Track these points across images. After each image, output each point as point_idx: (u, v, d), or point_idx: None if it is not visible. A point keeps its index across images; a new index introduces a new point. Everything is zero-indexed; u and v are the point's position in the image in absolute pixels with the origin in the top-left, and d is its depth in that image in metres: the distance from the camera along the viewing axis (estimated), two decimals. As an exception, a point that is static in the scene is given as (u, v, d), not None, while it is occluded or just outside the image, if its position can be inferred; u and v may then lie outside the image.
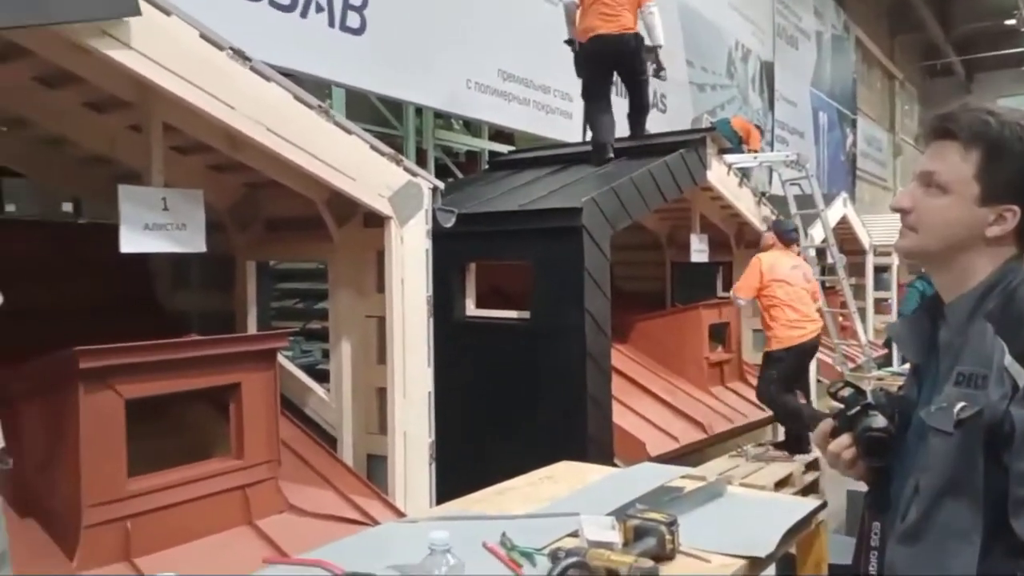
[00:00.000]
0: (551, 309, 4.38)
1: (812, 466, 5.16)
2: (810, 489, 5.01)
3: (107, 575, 2.24)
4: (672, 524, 1.76)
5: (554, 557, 1.66)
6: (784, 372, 5.09)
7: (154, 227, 2.59)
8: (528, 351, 4.44)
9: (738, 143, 7.02)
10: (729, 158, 5.66)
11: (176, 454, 2.59)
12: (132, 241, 2.53)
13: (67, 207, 5.47)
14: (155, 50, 2.33)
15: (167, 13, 2.38)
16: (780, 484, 4.75)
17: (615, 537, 1.75)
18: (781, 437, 5.65)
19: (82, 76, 2.58)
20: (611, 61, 5.36)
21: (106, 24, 2.22)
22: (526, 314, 4.55)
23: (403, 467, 3.17)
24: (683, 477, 2.47)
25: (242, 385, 2.62)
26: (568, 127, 7.48)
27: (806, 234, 6.12)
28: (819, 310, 5.44)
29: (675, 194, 5.16)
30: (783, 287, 5.09)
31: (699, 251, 5.89)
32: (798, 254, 5.50)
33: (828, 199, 7.49)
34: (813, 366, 6.48)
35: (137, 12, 2.22)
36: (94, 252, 3.03)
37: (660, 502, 2.05)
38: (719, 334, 6.09)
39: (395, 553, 1.77)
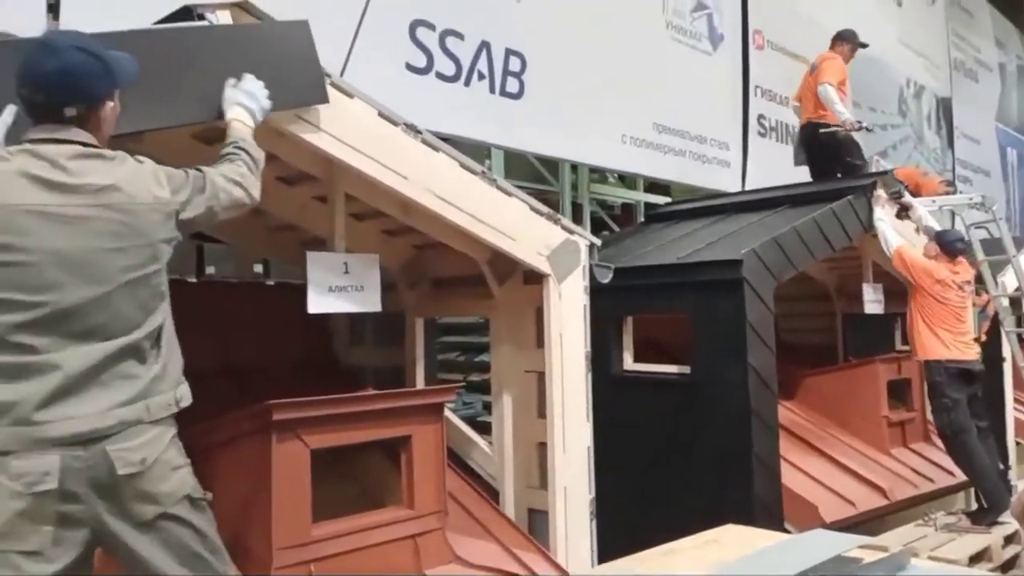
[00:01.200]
0: (712, 364, 4.28)
1: (1012, 539, 4.64)
2: (1009, 565, 4.50)
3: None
4: (850, 598, 1.67)
5: (723, 626, 1.62)
6: (954, 397, 4.64)
7: (336, 289, 2.82)
8: (689, 406, 4.35)
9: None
10: (906, 201, 5.33)
11: (350, 502, 2.76)
12: (318, 303, 2.78)
13: (257, 268, 6.05)
14: (340, 130, 2.57)
15: (350, 96, 2.63)
16: (975, 558, 4.30)
17: (788, 609, 1.68)
18: (976, 505, 5.14)
19: (277, 155, 2.88)
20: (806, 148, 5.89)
21: (300, 110, 2.49)
22: (686, 369, 4.47)
23: (564, 523, 3.19)
24: (862, 547, 2.32)
25: (412, 437, 2.76)
26: (726, 176, 7.37)
27: (996, 283, 5.61)
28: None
29: (843, 243, 4.93)
30: (940, 307, 4.72)
31: (873, 302, 5.54)
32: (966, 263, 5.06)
33: (1020, 243, 6.85)
34: (1011, 426, 5.89)
35: (326, 100, 2.47)
36: (283, 310, 3.33)
37: (836, 573, 1.94)
38: (899, 391, 5.66)
39: (560, 611, 1.80)
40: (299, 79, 2.49)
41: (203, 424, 2.76)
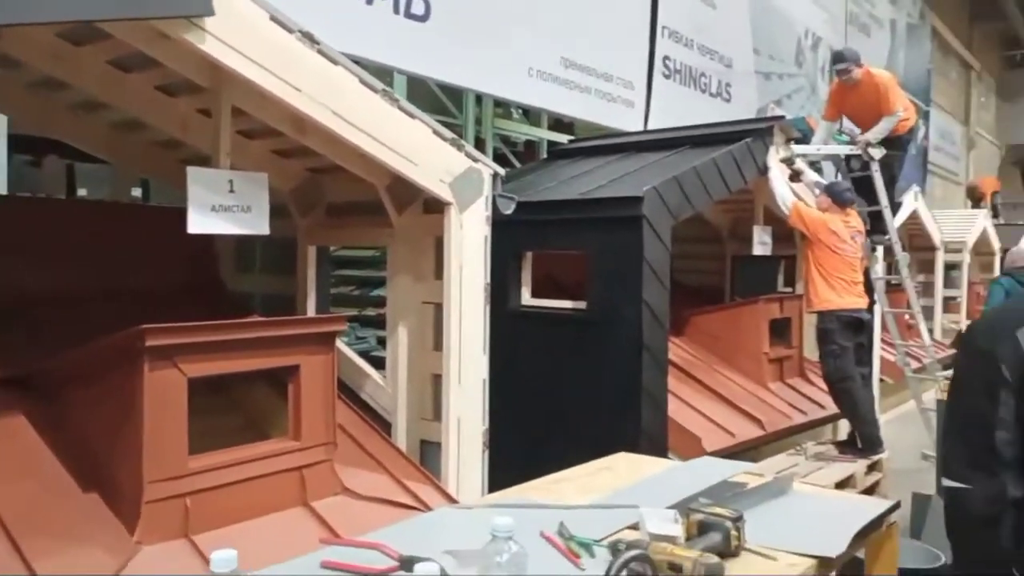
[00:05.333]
0: (608, 300, 4.32)
1: (875, 467, 5.00)
2: (871, 491, 4.86)
3: (166, 550, 2.28)
4: (738, 520, 1.71)
5: (614, 549, 1.63)
6: (842, 344, 4.85)
7: (220, 209, 2.63)
8: (583, 342, 4.40)
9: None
10: (796, 148, 5.49)
11: (234, 433, 2.63)
12: (199, 222, 2.58)
13: (136, 192, 5.63)
14: (227, 32, 2.34)
15: (237, -5, 2.40)
16: (841, 485, 4.61)
17: (677, 531, 1.71)
18: (843, 436, 5.50)
19: (158, 60, 2.62)
20: None
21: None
22: (582, 304, 4.51)
23: (456, 454, 3.17)
24: (745, 473, 2.41)
25: (301, 367, 2.64)
26: (629, 116, 7.38)
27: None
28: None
29: (740, 184, 5.04)
30: (835, 257, 4.90)
31: (762, 244, 5.74)
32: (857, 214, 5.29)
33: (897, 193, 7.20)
34: (876, 365, 6.28)
35: (211, 12, 2.24)
36: (162, 233, 3.09)
37: (722, 497, 1.99)
38: (780, 330, 5.93)
39: (450, 538, 1.76)
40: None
41: (75, 351, 2.55)
